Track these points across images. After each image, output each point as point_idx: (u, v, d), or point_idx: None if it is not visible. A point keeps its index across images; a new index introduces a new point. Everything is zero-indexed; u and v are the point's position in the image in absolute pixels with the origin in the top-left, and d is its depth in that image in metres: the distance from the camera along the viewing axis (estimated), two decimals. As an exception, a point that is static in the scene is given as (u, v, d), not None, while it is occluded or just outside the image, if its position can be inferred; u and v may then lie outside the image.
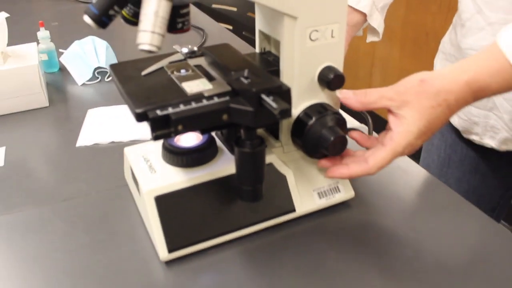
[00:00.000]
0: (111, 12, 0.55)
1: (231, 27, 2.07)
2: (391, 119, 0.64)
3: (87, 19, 0.55)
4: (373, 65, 2.80)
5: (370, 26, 0.92)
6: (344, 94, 0.66)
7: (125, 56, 1.27)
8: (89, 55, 1.20)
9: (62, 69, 1.25)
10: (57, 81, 1.20)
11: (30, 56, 1.08)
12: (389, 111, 0.64)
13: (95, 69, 1.19)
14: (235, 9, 2.10)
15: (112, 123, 0.98)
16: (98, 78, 1.19)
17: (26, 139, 0.96)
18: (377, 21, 0.92)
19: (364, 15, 0.90)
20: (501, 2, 0.80)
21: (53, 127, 1.01)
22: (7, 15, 1.04)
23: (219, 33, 1.56)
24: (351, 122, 0.92)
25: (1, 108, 1.03)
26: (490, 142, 0.93)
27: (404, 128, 0.63)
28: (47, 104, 1.08)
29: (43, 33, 1.20)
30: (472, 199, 0.76)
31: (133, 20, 0.58)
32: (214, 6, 2.10)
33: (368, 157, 0.65)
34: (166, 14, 0.54)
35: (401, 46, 2.54)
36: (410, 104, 0.62)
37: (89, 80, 1.17)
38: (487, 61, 0.62)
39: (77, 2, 1.87)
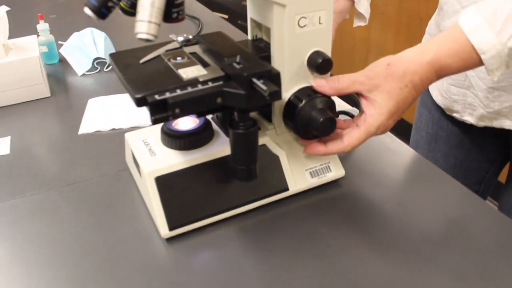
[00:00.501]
0: (110, 3, 0.58)
1: (226, 16, 2.10)
2: (363, 103, 0.69)
3: (87, 10, 0.59)
4: (368, 51, 2.83)
5: (357, 11, 0.96)
6: (318, 82, 0.70)
7: (123, 46, 1.31)
8: (88, 46, 1.24)
9: (62, 61, 1.28)
10: (57, 72, 1.24)
11: (31, 48, 1.11)
12: (361, 95, 0.69)
13: (94, 59, 1.22)
14: (230, -2, 2.13)
15: (112, 111, 1.01)
16: (97, 68, 1.22)
17: (30, 128, 0.99)
18: (364, 7, 0.96)
19: (351, 1, 0.94)
20: None
21: (55, 116, 1.05)
22: (8, 8, 1.07)
23: (215, 22, 1.58)
24: (342, 106, 0.96)
25: (5, 99, 1.07)
26: (469, 118, 0.98)
27: (376, 111, 0.67)
28: (49, 95, 1.11)
29: (42, 26, 1.23)
30: (460, 172, 0.80)
31: (131, 11, 0.61)
32: (209, -5, 2.12)
33: (343, 136, 0.70)
34: (162, 4, 0.57)
35: (396, 31, 2.57)
36: (380, 87, 0.67)
37: (88, 71, 1.21)
38: (446, 42, 0.66)
39: (74, -5, 1.89)
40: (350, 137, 0.69)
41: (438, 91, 1.03)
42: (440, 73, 0.67)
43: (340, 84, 0.69)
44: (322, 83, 0.70)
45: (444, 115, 1.06)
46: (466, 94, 0.95)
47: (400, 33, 2.54)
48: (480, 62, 0.65)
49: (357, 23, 1.00)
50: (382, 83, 0.67)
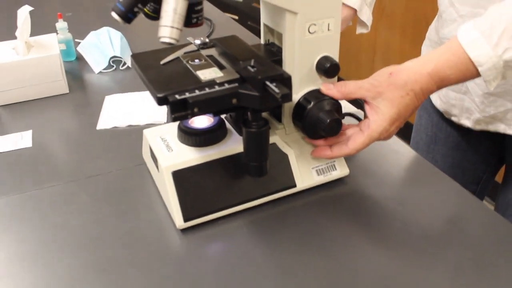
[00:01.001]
0: (136, 9, 0.63)
1: (237, 17, 2.14)
2: (367, 109, 0.73)
3: (114, 15, 0.63)
4: (375, 53, 2.86)
5: (359, 19, 1.00)
6: (326, 86, 0.74)
7: (138, 45, 1.36)
8: (104, 44, 1.28)
9: (79, 58, 1.33)
10: (75, 69, 1.28)
11: (51, 46, 1.15)
12: (365, 101, 0.73)
13: (111, 58, 1.26)
14: (240, 0, 2.17)
15: (128, 108, 1.06)
16: (113, 66, 1.27)
17: (50, 123, 1.04)
18: (366, 15, 1.01)
19: (354, 10, 0.98)
20: None
21: (74, 112, 1.10)
22: (31, 8, 1.12)
23: (226, 23, 1.63)
24: (348, 107, 1.00)
25: (26, 94, 1.11)
26: (466, 122, 1.02)
27: (379, 117, 0.71)
28: (68, 91, 1.16)
29: (61, 24, 1.28)
30: (458, 172, 0.84)
31: (154, 15, 0.66)
32: (220, -4, 2.16)
33: (348, 140, 0.74)
34: (183, 11, 0.62)
35: (402, 33, 2.60)
36: (383, 95, 0.71)
37: (105, 69, 1.25)
38: (445, 54, 0.70)
39: (89, -7, 1.93)
40: (354, 141, 0.73)
41: (437, 96, 1.07)
42: (440, 83, 0.70)
43: (347, 88, 0.73)
44: (330, 87, 0.74)
45: (443, 118, 1.10)
46: (463, 99, 0.99)
47: (406, 34, 2.58)
48: (477, 74, 0.68)
49: (359, 30, 1.04)
50: (385, 91, 0.71)
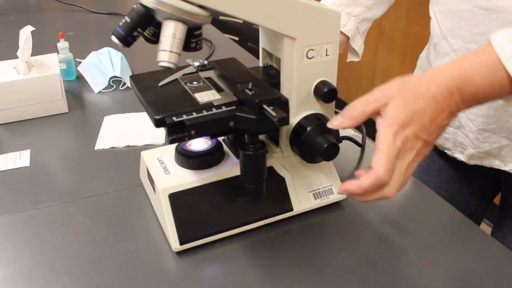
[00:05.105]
0: (135, 33, 0.64)
1: (237, 38, 2.16)
2: (378, 121, 0.63)
3: (114, 39, 0.64)
4: (374, 75, 2.88)
5: (351, 47, 1.00)
6: (334, 122, 0.67)
7: (138, 65, 1.37)
8: (105, 65, 1.29)
9: (79, 78, 1.34)
10: (75, 88, 1.29)
11: (52, 65, 1.16)
12: (378, 114, 0.64)
13: (111, 78, 1.27)
14: (241, 21, 2.19)
15: (127, 129, 1.06)
16: (113, 86, 1.28)
17: (49, 142, 1.04)
18: (358, 44, 1.00)
19: (347, 37, 0.99)
20: (462, 32, 0.86)
21: (72, 132, 1.10)
22: (33, 28, 1.13)
23: (226, 45, 1.64)
24: (346, 131, 1.01)
25: (25, 113, 1.12)
26: (460, 156, 0.99)
27: (386, 121, 0.61)
28: (67, 110, 1.16)
29: (62, 44, 1.29)
30: (452, 204, 0.83)
31: (153, 39, 0.67)
32: (221, 18, 2.18)
33: (372, 164, 0.62)
34: (182, 36, 0.63)
35: (402, 56, 2.62)
36: (393, 98, 0.62)
37: (104, 88, 1.26)
38: (471, 56, 0.62)
39: (90, 13, 1.95)
40: (375, 161, 0.61)
41: None
42: (463, 86, 0.61)
43: (356, 110, 0.65)
44: (339, 120, 0.66)
45: (436, 151, 1.08)
46: (457, 134, 0.97)
47: (406, 58, 2.60)
48: (509, 90, 0.60)
49: (350, 58, 1.03)
50: (396, 95, 0.62)
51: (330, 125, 0.68)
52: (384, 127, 0.61)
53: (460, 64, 0.62)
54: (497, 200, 1.11)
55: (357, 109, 0.65)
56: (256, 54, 0.82)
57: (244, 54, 1.52)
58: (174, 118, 0.64)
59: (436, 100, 0.61)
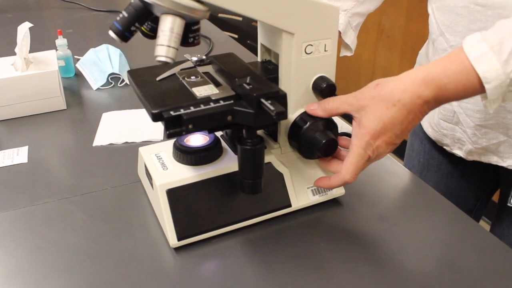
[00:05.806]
0: (133, 28, 0.63)
1: (236, 36, 2.15)
2: (353, 125, 0.69)
3: (111, 33, 0.63)
4: (374, 73, 2.88)
5: (343, 42, 1.00)
6: (310, 106, 0.72)
7: (136, 62, 1.37)
8: (103, 61, 1.29)
9: (78, 75, 1.34)
10: (73, 85, 1.29)
11: (50, 62, 1.16)
12: (352, 117, 0.69)
13: (109, 75, 1.27)
14: (240, 18, 2.19)
15: (125, 126, 1.06)
16: (111, 83, 1.28)
17: (47, 139, 1.04)
18: (351, 39, 1.00)
19: (338, 32, 0.98)
20: (459, 28, 0.86)
21: (71, 128, 1.10)
22: (31, 25, 1.13)
23: (225, 42, 1.64)
24: (345, 127, 1.00)
25: (24, 110, 1.12)
26: (458, 152, 1.00)
27: (360, 131, 0.67)
28: (65, 107, 1.16)
29: (61, 41, 1.28)
30: (451, 200, 0.83)
31: (150, 34, 0.66)
32: (220, 15, 2.18)
33: (342, 167, 0.70)
34: (180, 30, 0.62)
35: (401, 54, 2.62)
36: (366, 107, 0.66)
37: (103, 85, 1.26)
38: (443, 62, 0.64)
39: (89, 10, 1.95)
40: (344, 165, 0.69)
41: (429, 124, 1.05)
42: (438, 93, 0.64)
43: (330, 105, 0.71)
44: (314, 107, 0.72)
45: (435, 146, 1.08)
46: (455, 130, 0.97)
47: (405, 55, 2.60)
48: (480, 90, 0.63)
49: (343, 53, 1.02)
50: (369, 103, 0.66)
51: (306, 107, 0.73)
52: (357, 138, 0.67)
53: (434, 73, 0.64)
54: (496, 198, 1.11)
55: (333, 104, 0.71)
56: (255, 51, 0.82)
57: (244, 51, 1.52)
58: (172, 112, 0.64)
59: (408, 109, 0.65)
